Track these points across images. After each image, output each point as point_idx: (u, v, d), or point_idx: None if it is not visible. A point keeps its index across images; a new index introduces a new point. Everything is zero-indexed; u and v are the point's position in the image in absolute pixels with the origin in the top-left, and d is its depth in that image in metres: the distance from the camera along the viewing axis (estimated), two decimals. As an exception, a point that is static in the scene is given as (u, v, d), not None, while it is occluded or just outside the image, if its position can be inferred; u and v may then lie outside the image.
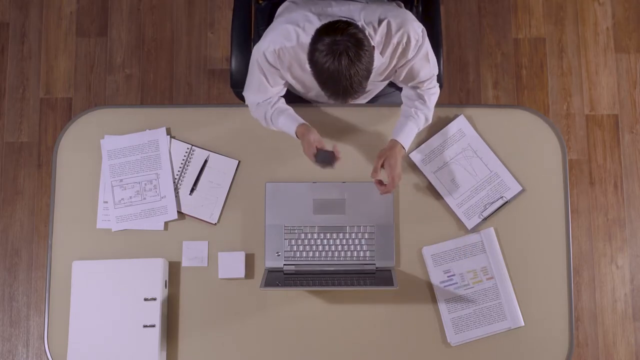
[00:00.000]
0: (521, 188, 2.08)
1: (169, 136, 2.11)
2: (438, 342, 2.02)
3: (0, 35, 2.97)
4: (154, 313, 1.96)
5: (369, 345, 2.02)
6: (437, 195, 2.09)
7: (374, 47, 1.78)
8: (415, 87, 2.04)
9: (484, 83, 2.95)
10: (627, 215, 2.85)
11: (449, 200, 2.08)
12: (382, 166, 1.99)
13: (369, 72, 1.73)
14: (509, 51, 2.97)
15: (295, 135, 2.01)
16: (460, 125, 2.12)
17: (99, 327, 1.96)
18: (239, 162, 2.11)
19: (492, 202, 2.08)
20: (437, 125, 2.12)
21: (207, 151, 2.11)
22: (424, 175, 2.09)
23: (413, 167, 2.10)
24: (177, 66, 2.96)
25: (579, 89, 2.94)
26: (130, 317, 1.96)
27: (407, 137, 2.02)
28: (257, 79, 1.99)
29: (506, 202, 2.08)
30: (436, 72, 2.05)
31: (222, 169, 2.10)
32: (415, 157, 2.10)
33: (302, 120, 2.01)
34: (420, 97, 2.03)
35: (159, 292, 1.97)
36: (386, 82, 2.12)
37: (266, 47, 1.92)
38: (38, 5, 2.99)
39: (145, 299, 1.97)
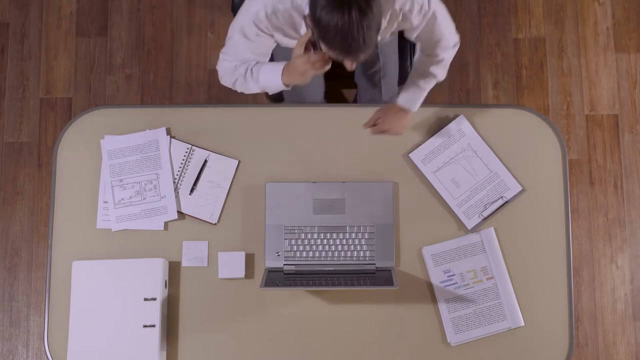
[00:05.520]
0: (521, 188, 2.08)
1: (169, 136, 2.11)
2: (438, 342, 2.02)
3: (0, 35, 2.97)
4: (154, 313, 1.96)
5: (369, 345, 2.02)
6: (437, 195, 2.09)
7: None
8: (428, 55, 1.99)
9: (484, 83, 2.95)
10: (627, 215, 2.85)
11: (449, 200, 2.08)
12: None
13: (379, 24, 1.59)
14: (509, 51, 2.97)
15: (280, 79, 1.84)
16: (460, 125, 2.12)
17: (99, 327, 1.96)
18: (239, 162, 2.11)
19: (492, 202, 2.08)
20: (437, 125, 2.13)
21: (207, 151, 2.11)
22: (424, 175, 2.09)
23: (413, 167, 2.10)
24: (177, 66, 2.96)
25: (579, 89, 2.94)
26: (130, 317, 1.96)
27: (412, 101, 2.00)
28: (241, 45, 1.87)
29: (506, 202, 2.08)
30: (452, 39, 1.96)
31: (222, 169, 2.10)
32: (415, 157, 2.10)
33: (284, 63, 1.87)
34: (430, 64, 1.98)
35: (159, 292, 1.97)
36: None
37: (256, 11, 1.79)
38: (38, 5, 2.99)
39: (145, 299, 1.97)
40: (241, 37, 1.85)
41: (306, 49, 1.70)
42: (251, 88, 1.91)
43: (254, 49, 1.87)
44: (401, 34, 2.31)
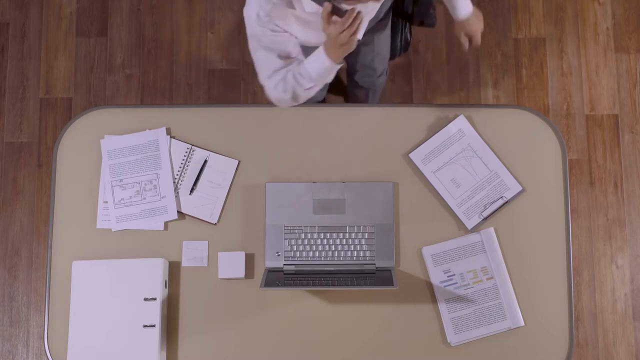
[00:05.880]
0: (521, 188, 2.08)
1: (168, 136, 2.11)
2: (438, 342, 2.02)
3: (0, 35, 2.97)
4: (154, 313, 1.96)
5: (369, 345, 2.02)
6: (437, 195, 2.09)
7: None
8: None
9: (484, 83, 2.95)
10: (627, 215, 2.85)
11: (449, 200, 2.08)
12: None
13: None
14: (509, 51, 2.97)
15: (328, 60, 1.76)
16: (460, 125, 2.12)
17: (98, 327, 1.96)
18: (239, 162, 2.11)
19: (492, 202, 2.08)
20: (437, 125, 2.13)
21: (207, 151, 2.11)
22: (424, 175, 2.09)
23: (413, 167, 2.10)
24: (177, 66, 2.96)
25: (579, 89, 2.94)
26: (130, 317, 1.96)
27: (460, 8, 2.05)
28: (269, 57, 1.82)
29: (506, 202, 2.08)
30: None
31: (222, 169, 2.10)
32: (415, 157, 2.10)
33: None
34: None
35: (159, 292, 1.97)
36: None
37: (255, 14, 1.75)
38: (38, 5, 3.00)
39: (145, 299, 1.97)
40: (263, 49, 1.81)
41: (332, 21, 1.66)
42: (310, 87, 1.83)
43: (281, 52, 1.81)
44: (394, 12, 2.30)
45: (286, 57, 1.83)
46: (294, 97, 1.87)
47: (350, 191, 2.07)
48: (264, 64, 1.84)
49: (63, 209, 2.08)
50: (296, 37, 1.87)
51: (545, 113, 2.92)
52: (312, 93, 1.86)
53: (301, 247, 2.04)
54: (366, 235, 2.05)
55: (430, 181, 2.09)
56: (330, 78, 1.83)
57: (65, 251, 2.06)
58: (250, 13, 1.77)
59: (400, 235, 2.06)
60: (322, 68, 1.78)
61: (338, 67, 1.79)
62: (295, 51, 1.86)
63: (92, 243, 2.06)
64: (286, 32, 1.82)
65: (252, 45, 1.83)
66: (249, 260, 2.05)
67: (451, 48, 2.98)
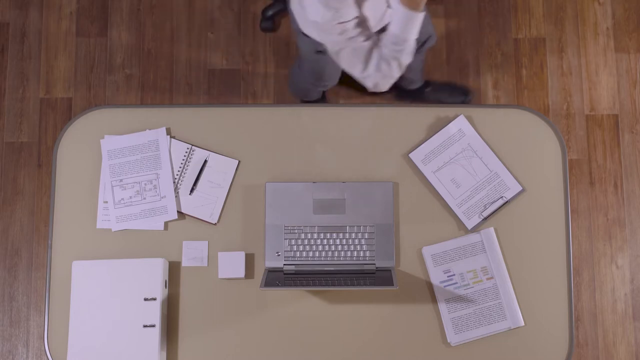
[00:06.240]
0: (521, 188, 2.08)
1: (168, 136, 2.11)
2: (438, 342, 2.02)
3: (0, 35, 2.97)
4: (154, 313, 1.96)
5: (369, 345, 2.02)
6: (437, 195, 2.09)
7: None
8: None
9: (484, 83, 2.95)
10: (627, 215, 2.85)
11: (449, 200, 2.08)
12: None
13: None
14: (509, 51, 2.97)
15: (408, 9, 1.73)
16: (460, 125, 2.12)
17: (98, 327, 1.96)
18: (239, 162, 2.11)
19: (492, 202, 2.08)
20: (437, 125, 2.13)
21: (207, 151, 2.11)
22: (424, 175, 2.09)
23: (413, 167, 2.10)
24: (177, 66, 2.96)
25: (579, 89, 2.94)
26: (130, 317, 1.96)
27: None
28: (351, 49, 1.78)
29: (506, 202, 2.08)
30: None
31: (222, 169, 2.10)
32: (415, 157, 2.10)
33: None
34: None
35: (159, 292, 1.97)
36: None
37: (319, 27, 1.73)
38: (38, 5, 3.00)
39: (145, 299, 1.97)
40: (344, 44, 1.80)
41: None
42: (407, 48, 1.78)
43: (361, 34, 1.79)
44: None
45: (370, 37, 1.80)
46: (400, 66, 1.83)
47: (350, 191, 2.07)
48: (353, 57, 1.82)
49: (63, 209, 2.08)
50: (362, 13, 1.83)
51: (545, 113, 2.92)
52: (412, 55, 1.81)
53: (301, 247, 2.04)
54: (366, 235, 2.05)
55: (430, 181, 2.09)
56: (416, 31, 1.77)
57: (65, 251, 2.06)
58: (313, 31, 1.78)
59: (400, 235, 2.06)
60: (407, 20, 1.74)
61: (422, 15, 1.75)
62: (369, 28, 1.82)
63: (92, 243, 2.06)
64: (355, 18, 1.78)
65: (333, 49, 1.81)
66: (249, 260, 2.06)
67: (451, 48, 2.98)
